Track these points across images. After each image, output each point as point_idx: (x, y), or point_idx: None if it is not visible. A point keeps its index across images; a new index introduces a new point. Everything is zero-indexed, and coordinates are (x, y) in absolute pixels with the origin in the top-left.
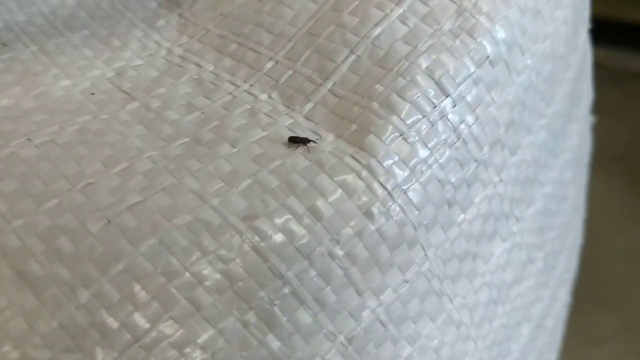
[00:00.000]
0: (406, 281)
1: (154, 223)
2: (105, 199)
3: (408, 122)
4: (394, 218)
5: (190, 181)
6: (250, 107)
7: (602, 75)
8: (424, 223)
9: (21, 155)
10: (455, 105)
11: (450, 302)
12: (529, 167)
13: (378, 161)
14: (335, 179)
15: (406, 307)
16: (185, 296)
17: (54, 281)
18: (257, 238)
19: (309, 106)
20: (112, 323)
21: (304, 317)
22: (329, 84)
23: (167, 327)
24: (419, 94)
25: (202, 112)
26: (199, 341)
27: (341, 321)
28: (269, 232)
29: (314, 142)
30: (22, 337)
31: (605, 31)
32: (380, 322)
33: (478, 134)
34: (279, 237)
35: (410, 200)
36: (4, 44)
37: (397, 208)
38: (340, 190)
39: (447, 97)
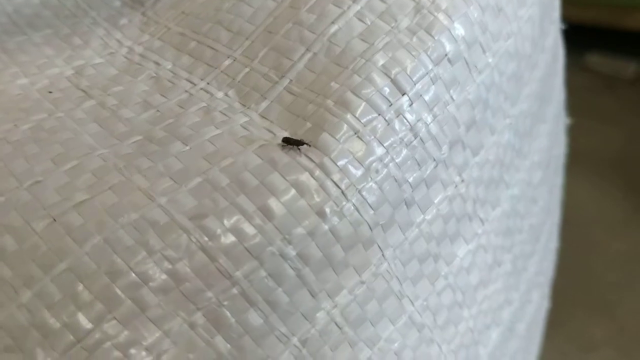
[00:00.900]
0: (362, 282)
1: (100, 222)
2: (52, 197)
3: (363, 120)
4: (348, 218)
5: (138, 179)
6: (205, 105)
7: (597, 81)
8: (380, 223)
9: None
10: (412, 104)
11: (411, 304)
12: (493, 167)
13: (332, 160)
14: (287, 178)
15: (364, 308)
16: (129, 296)
17: None
18: (205, 237)
19: (264, 104)
20: (54, 323)
21: (255, 318)
22: (285, 82)
23: (111, 328)
24: (375, 92)
25: (157, 110)
26: (144, 342)
27: (294, 323)
28: (218, 232)
29: (307, 144)
30: None
31: (599, 38)
32: (336, 324)
33: (436, 133)
34: (227, 237)
35: (365, 199)
36: None
37: (351, 207)
38: (292, 189)
39: (403, 95)
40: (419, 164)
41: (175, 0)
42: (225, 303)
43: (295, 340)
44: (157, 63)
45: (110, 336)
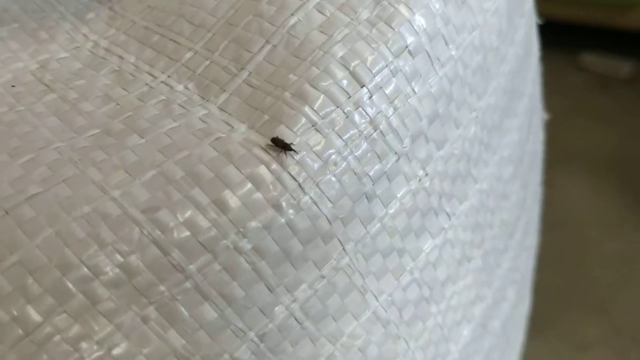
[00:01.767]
0: (323, 277)
1: (52, 214)
2: (5, 190)
3: (321, 113)
4: (306, 211)
5: (93, 172)
6: (165, 98)
7: (591, 81)
8: (340, 217)
9: None
10: (371, 96)
11: (376, 300)
12: (459, 161)
13: (288, 152)
14: (243, 171)
15: (325, 303)
16: (80, 290)
17: None
18: (157, 231)
19: (223, 97)
20: (3, 316)
21: (209, 312)
22: (244, 74)
23: (61, 322)
24: (333, 84)
25: (117, 104)
26: (95, 336)
27: (251, 318)
28: (171, 225)
29: (295, 151)
30: None
31: (593, 37)
32: (296, 319)
33: (397, 126)
34: (181, 230)
35: (323, 192)
36: None
37: (309, 201)
38: (247, 182)
39: (362, 87)
40: (379, 157)
41: None
42: (179, 297)
43: (252, 335)
44: (120, 57)
45: (60, 330)
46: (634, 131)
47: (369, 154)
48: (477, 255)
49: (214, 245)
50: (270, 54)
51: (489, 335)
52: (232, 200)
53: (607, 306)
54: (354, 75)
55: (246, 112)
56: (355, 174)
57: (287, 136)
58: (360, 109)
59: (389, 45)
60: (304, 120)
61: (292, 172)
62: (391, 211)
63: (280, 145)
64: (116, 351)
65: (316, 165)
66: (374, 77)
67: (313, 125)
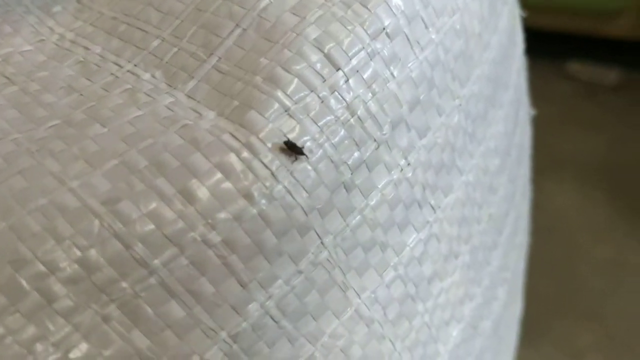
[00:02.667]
0: (300, 272)
1: (6, 208)
2: None
3: (294, 97)
4: (279, 201)
5: (50, 163)
6: (131, 87)
7: (578, 88)
8: (317, 207)
9: None
10: (347, 80)
11: (358, 297)
12: (443, 151)
13: (260, 139)
14: (211, 159)
15: (303, 301)
16: (35, 287)
17: None
18: (119, 223)
19: (191, 84)
20: None
21: (176, 310)
22: (214, 60)
23: (14, 322)
24: (306, 67)
25: (81, 94)
26: (51, 338)
27: (222, 316)
28: (133, 217)
29: (305, 155)
30: None
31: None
32: (272, 317)
33: (376, 111)
34: (144, 222)
35: (298, 181)
36: None
37: (283, 190)
38: (216, 171)
39: (338, 70)
40: (357, 145)
41: None
42: (142, 294)
43: (224, 335)
44: (86, 48)
45: (12, 331)
46: (622, 138)
47: (346, 141)
48: (464, 251)
49: (180, 238)
50: (240, 38)
51: (479, 336)
52: (200, 191)
53: (599, 312)
54: (328, 57)
55: (215, 99)
56: (332, 162)
57: (258, 123)
58: (337, 93)
59: (365, 27)
60: (276, 105)
61: (264, 160)
62: (372, 202)
63: (291, 148)
64: (74, 353)
65: (290, 153)
66: (350, 59)
67: (286, 111)
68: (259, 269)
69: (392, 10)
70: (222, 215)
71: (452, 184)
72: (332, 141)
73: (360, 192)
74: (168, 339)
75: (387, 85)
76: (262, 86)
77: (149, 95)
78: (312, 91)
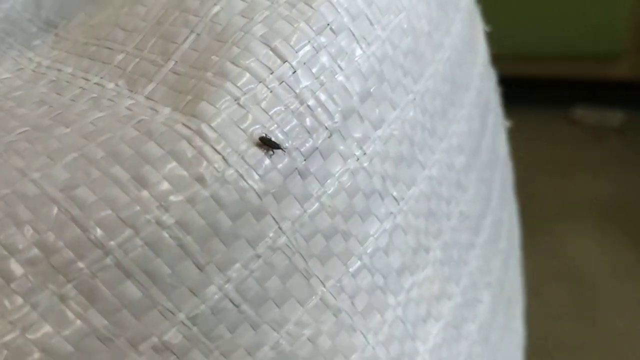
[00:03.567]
0: (258, 256)
1: None
2: None
3: (243, 88)
4: (232, 184)
5: (15, 160)
6: (96, 95)
7: (585, 133)
8: (271, 192)
9: None
10: (295, 72)
11: (322, 285)
12: (401, 144)
13: (210, 126)
14: (164, 147)
15: (263, 286)
16: None
17: None
18: (76, 208)
19: (150, 87)
20: None
21: (132, 291)
22: (171, 64)
23: None
24: (254, 61)
25: (50, 106)
26: (9, 316)
27: (180, 298)
28: (89, 201)
29: (282, 149)
30: None
31: (583, 91)
32: (231, 301)
33: (325, 100)
34: (99, 206)
35: (250, 165)
36: None
37: (234, 174)
38: (168, 157)
39: (284, 62)
40: (309, 132)
41: (85, 18)
42: (99, 274)
43: (182, 316)
44: (59, 70)
45: None
46: (633, 177)
47: (297, 129)
48: (435, 246)
49: (135, 220)
50: (194, 42)
51: (465, 340)
52: (153, 176)
53: (624, 354)
54: (275, 51)
55: (171, 97)
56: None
57: (209, 112)
58: (285, 84)
59: (310, 24)
60: (226, 96)
61: (215, 146)
62: (330, 190)
63: (268, 144)
64: (32, 331)
65: (241, 139)
66: (296, 53)
67: (236, 100)
68: (215, 251)
69: (335, 8)
70: (175, 198)
71: (414, 177)
72: (283, 129)
73: (316, 179)
74: (125, 319)
75: (335, 76)
76: (212, 80)
77: (111, 100)
78: (260, 82)
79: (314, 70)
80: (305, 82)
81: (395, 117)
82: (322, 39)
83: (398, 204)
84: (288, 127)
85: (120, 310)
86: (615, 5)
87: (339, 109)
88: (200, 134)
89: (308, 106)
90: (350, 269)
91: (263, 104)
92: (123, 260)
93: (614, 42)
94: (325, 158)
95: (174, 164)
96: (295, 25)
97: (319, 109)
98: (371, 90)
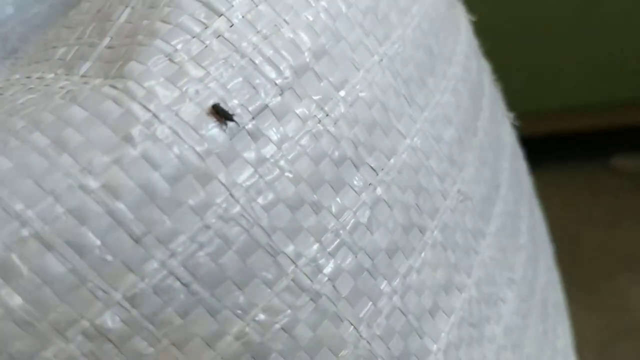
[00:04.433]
0: (208, 227)
1: None
2: None
3: (174, 43)
4: (164, 141)
5: None
6: (33, 86)
7: (626, 182)
8: (215, 152)
9: None
10: (232, 25)
11: (293, 264)
12: (371, 108)
13: (137, 83)
14: (87, 109)
15: (218, 263)
16: None
17: None
18: None
19: (86, 66)
20: None
21: (54, 265)
22: (106, 41)
23: None
24: (186, 16)
25: None
26: None
27: (113, 274)
28: (3, 169)
29: (235, 122)
30: None
31: (621, 139)
32: (178, 279)
33: (271, 55)
34: (15, 174)
35: (185, 121)
36: None
37: (166, 130)
38: (92, 117)
39: (220, 16)
40: (255, 88)
41: (42, 34)
42: (15, 247)
43: (118, 296)
44: (7, 79)
45: None
46: None
47: (238, 84)
48: (432, 226)
49: (54, 186)
50: (130, 16)
51: (488, 342)
52: (75, 138)
53: None
54: (207, 5)
55: (104, 69)
56: (224, 103)
57: (137, 70)
58: (221, 37)
59: None
60: (156, 53)
61: (143, 102)
62: (289, 155)
63: (221, 114)
64: None
65: (173, 95)
66: (232, 5)
67: (167, 57)
68: (153, 220)
69: None
70: (99, 159)
71: (394, 147)
72: (221, 82)
73: (270, 141)
74: (46, 298)
75: (281, 30)
76: (142, 41)
77: (47, 85)
78: (194, 37)
79: (253, 22)
80: (244, 35)
81: (361, 78)
82: None
83: (377, 174)
84: (230, 84)
85: (41, 287)
86: None
87: (289, 64)
88: (127, 92)
89: (251, 60)
90: (327, 246)
91: (198, 59)
92: (42, 231)
93: None
94: (280, 119)
95: (98, 124)
96: None
97: (265, 64)
98: (326, 47)
